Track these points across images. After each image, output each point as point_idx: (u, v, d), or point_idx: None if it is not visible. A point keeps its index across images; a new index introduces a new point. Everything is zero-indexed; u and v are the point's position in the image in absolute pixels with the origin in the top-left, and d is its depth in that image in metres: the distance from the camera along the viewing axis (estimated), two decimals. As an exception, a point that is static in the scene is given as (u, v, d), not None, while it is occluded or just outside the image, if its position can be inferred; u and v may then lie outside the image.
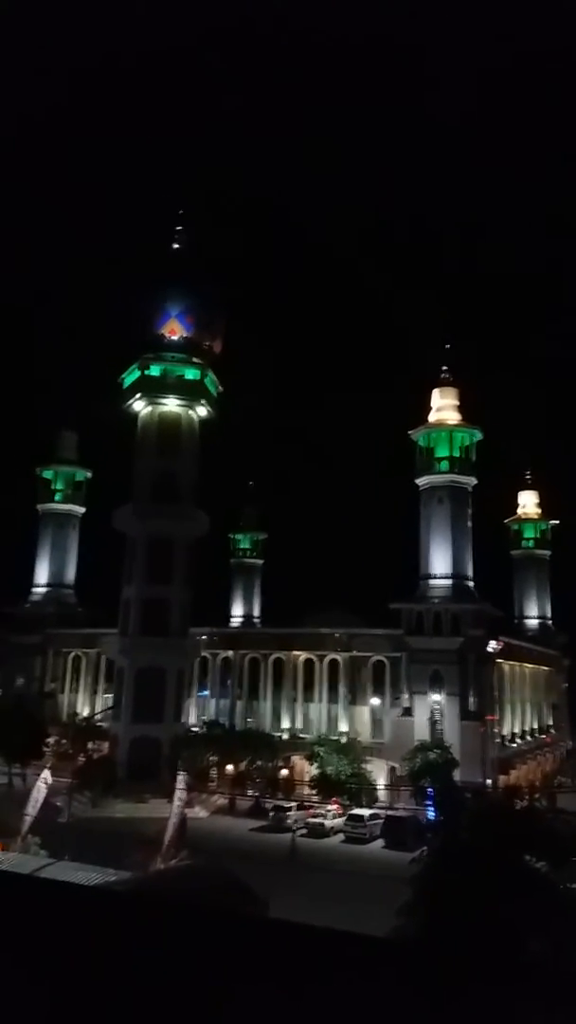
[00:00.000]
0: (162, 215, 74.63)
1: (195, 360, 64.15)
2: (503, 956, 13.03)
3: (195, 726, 64.42)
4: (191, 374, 64.19)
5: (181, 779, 36.81)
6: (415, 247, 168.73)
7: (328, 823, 47.03)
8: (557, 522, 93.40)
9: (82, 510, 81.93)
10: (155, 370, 63.69)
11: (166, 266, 66.53)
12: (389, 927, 14.82)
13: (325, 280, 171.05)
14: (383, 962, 7.34)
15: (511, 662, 65.94)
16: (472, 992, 5.98)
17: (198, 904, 13.91)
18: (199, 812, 49.72)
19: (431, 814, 45.89)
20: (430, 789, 47.72)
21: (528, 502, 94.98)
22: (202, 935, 8.05)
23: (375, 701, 60.34)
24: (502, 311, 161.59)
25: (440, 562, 61.65)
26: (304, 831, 46.68)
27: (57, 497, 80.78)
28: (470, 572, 62.45)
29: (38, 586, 79.39)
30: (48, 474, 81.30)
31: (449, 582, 60.76)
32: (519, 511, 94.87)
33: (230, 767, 57.25)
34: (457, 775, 49.31)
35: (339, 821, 47.39)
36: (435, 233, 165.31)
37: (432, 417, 66.18)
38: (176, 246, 68.04)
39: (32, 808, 34.33)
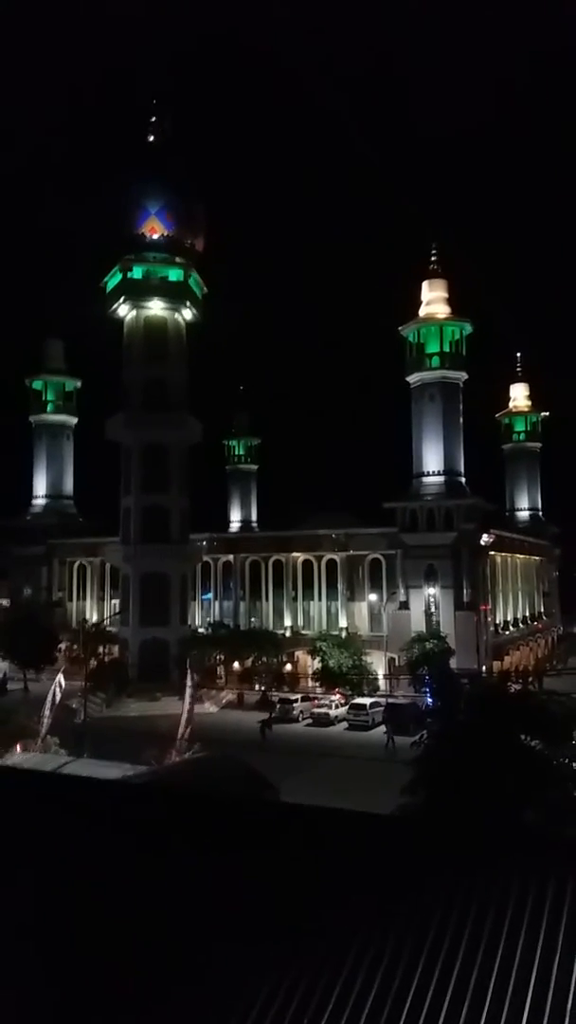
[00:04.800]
0: (140, 105, 70.50)
1: (178, 260, 62.26)
2: (501, 826, 14.12)
3: (201, 628, 66.36)
4: (174, 275, 62.41)
5: (190, 677, 38.41)
6: (401, 134, 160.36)
7: (332, 712, 49.37)
8: (548, 414, 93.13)
9: (75, 420, 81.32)
10: (137, 272, 61.88)
11: (142, 161, 63.57)
12: (394, 806, 15.92)
13: (312, 174, 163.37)
14: (390, 837, 8.09)
15: (503, 553, 67.40)
16: (473, 860, 6.68)
17: (213, 792, 14.92)
18: (209, 707, 52.02)
19: (429, 700, 47.94)
20: (427, 677, 49.64)
21: (519, 395, 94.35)
22: (218, 820, 8.81)
23: (372, 597, 62.02)
24: (491, 197, 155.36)
25: (432, 459, 61.95)
26: (310, 720, 49.06)
27: (49, 408, 79.92)
28: (462, 468, 62.88)
29: (37, 498, 79.74)
30: (38, 385, 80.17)
31: (442, 479, 61.28)
32: (510, 404, 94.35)
33: (236, 664, 59.48)
34: (453, 663, 51.25)
35: (342, 710, 49.73)
36: (423, 121, 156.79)
37: (422, 311, 64.85)
38: (151, 138, 64.68)
39: (49, 710, 35.92)
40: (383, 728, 44.69)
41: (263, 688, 56.05)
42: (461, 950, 5.52)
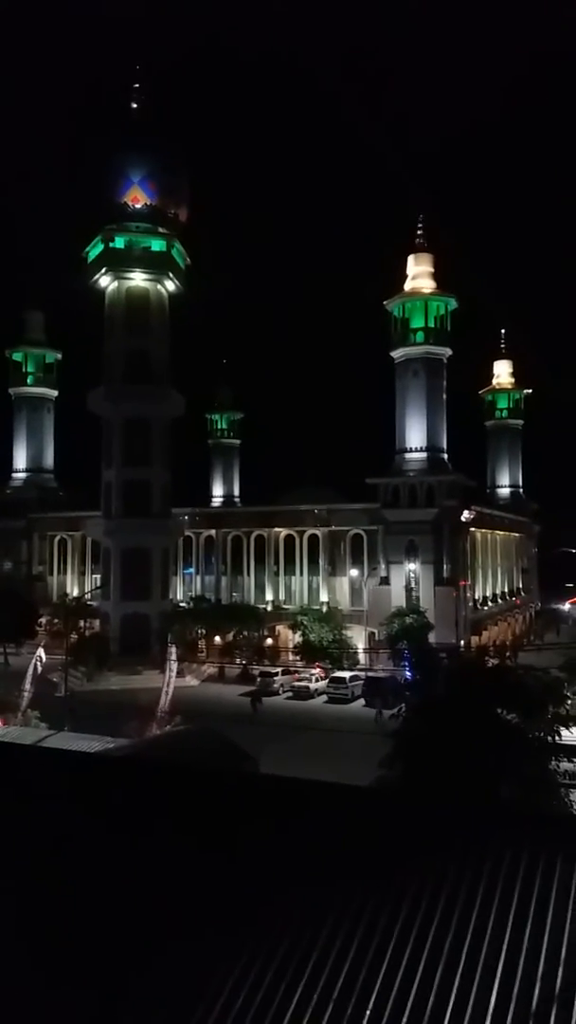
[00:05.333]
0: (121, 71, 68.86)
1: (161, 230, 61.33)
2: (478, 799, 14.34)
3: (182, 602, 66.43)
4: (157, 245, 61.50)
5: (172, 651, 38.52)
6: (387, 106, 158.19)
7: (312, 686, 49.79)
8: (530, 391, 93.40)
9: (55, 393, 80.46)
10: (119, 242, 60.91)
11: (124, 128, 62.29)
12: (372, 778, 16.12)
13: (298, 146, 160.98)
14: (367, 809, 8.17)
15: (484, 530, 67.88)
16: (451, 833, 6.77)
17: (193, 765, 15.02)
18: (190, 681, 52.25)
19: (408, 674, 48.54)
20: (407, 651, 50.21)
21: (502, 372, 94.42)
22: (198, 793, 8.85)
23: (354, 572, 62.34)
24: (478, 173, 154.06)
25: (415, 435, 62.03)
26: (290, 694, 49.45)
27: (29, 380, 79.00)
28: (444, 444, 63.04)
29: (17, 471, 79.06)
30: (18, 356, 79.12)
31: (424, 455, 61.42)
32: (493, 381, 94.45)
33: (218, 638, 59.71)
34: (432, 637, 51.82)
35: (322, 684, 50.16)
36: (408, 93, 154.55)
37: (407, 286, 64.52)
38: (134, 105, 63.30)
39: (29, 684, 35.93)
40: (366, 701, 45.22)
41: (244, 662, 56.36)
42: (453, 924, 5.60)
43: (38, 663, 37.14)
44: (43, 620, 63.98)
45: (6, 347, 78.87)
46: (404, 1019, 5.04)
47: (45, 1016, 5.86)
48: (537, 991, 4.98)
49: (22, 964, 6.39)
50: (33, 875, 7.55)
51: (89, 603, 63.44)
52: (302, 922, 5.95)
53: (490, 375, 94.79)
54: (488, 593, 69.62)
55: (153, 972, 5.89)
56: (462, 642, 55.16)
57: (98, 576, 65.63)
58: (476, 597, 64.84)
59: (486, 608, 67.47)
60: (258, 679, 51.42)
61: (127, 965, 6.09)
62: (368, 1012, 5.11)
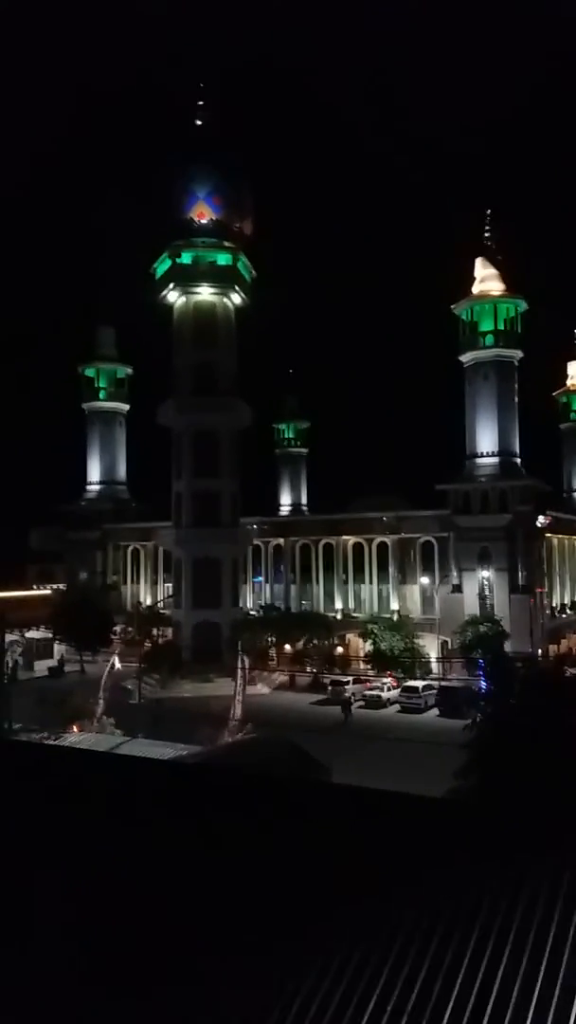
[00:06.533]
0: (186, 91, 70.38)
1: (226, 244, 62.22)
2: (553, 814, 13.89)
3: (252, 610, 66.84)
4: (223, 259, 62.42)
5: (242, 659, 38.78)
6: (450, 108, 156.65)
7: (384, 695, 49.29)
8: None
9: (127, 407, 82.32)
10: (186, 257, 62.06)
11: (189, 145, 63.54)
12: (445, 789, 15.82)
13: (357, 152, 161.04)
14: (441, 820, 8.02)
15: (560, 535, 66.02)
16: (525, 848, 6.58)
17: (265, 773, 15.06)
18: (261, 689, 52.48)
19: (483, 684, 47.54)
20: (481, 660, 49.19)
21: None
22: (270, 800, 8.85)
23: (424, 580, 61.50)
24: (545, 172, 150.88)
25: (486, 440, 60.88)
26: (362, 703, 49.08)
27: (101, 395, 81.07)
28: (517, 448, 61.63)
29: (91, 484, 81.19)
30: (90, 372, 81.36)
31: (496, 460, 60.19)
32: (568, 382, 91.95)
33: (288, 647, 59.77)
34: (507, 646, 50.56)
35: (394, 693, 49.60)
36: (472, 92, 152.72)
37: (475, 289, 63.54)
38: (199, 123, 64.56)
39: (104, 691, 36.73)
40: (440, 711, 44.61)
41: (315, 670, 56.24)
42: (530, 936, 5.45)
43: (113, 670, 37.93)
44: (117, 628, 65.47)
45: (79, 363, 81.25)
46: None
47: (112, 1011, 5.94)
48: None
49: (87, 969, 6.50)
50: (99, 878, 7.68)
51: (162, 611, 64.48)
52: (372, 933, 5.88)
53: (564, 376, 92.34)
54: (566, 600, 67.63)
55: (219, 973, 5.91)
56: (539, 651, 53.73)
57: (170, 585, 66.71)
58: (553, 605, 63.06)
59: (564, 616, 65.53)
60: (329, 688, 51.21)
61: (188, 967, 6.12)
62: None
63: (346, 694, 49.44)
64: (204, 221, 61.71)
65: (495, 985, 5.16)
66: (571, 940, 5.35)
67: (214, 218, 61.73)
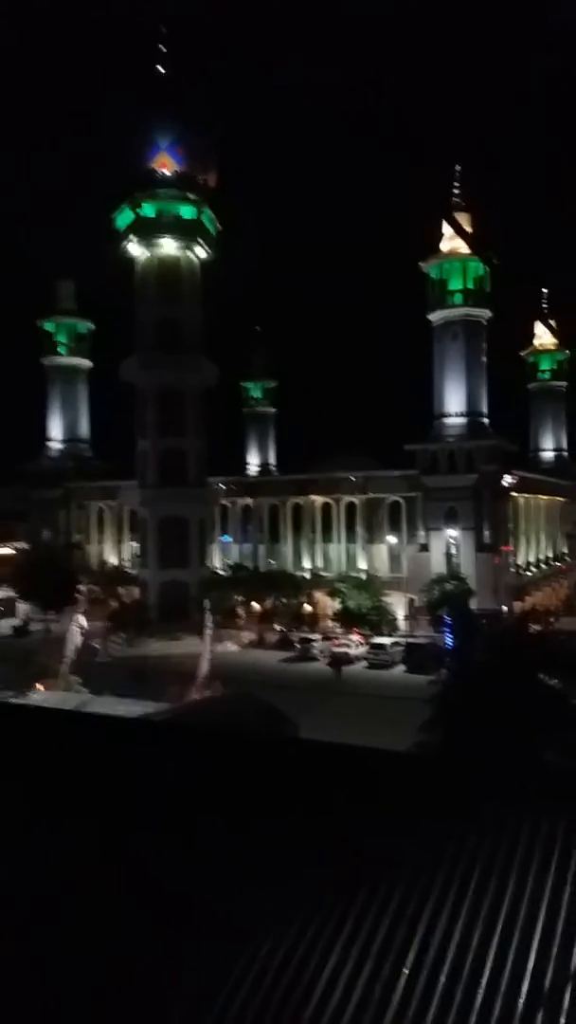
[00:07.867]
0: (147, 35, 67.42)
1: (190, 196, 60.54)
2: (518, 765, 14.08)
3: (220, 570, 66.79)
4: (187, 212, 60.79)
5: (209, 617, 38.76)
6: (420, 63, 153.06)
7: (352, 652, 49.82)
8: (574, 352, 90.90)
9: (88, 363, 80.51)
10: (148, 209, 60.28)
11: (151, 93, 61.23)
12: (411, 742, 15.95)
13: (325, 102, 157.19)
14: (406, 773, 7.98)
15: (526, 495, 66.68)
16: (490, 800, 6.54)
17: (234, 729, 15.03)
18: (230, 647, 52.68)
19: (449, 640, 48.28)
20: (447, 617, 49.88)
21: (544, 333, 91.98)
22: (237, 756, 8.74)
23: (392, 539, 61.85)
24: (515, 128, 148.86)
25: (454, 400, 60.87)
26: (329, 660, 49.58)
27: (61, 350, 79.08)
28: (485, 408, 61.77)
29: (53, 441, 79.63)
30: (50, 326, 79.05)
31: (463, 420, 60.30)
32: (535, 342, 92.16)
33: (256, 605, 59.97)
34: (473, 603, 51.31)
35: (362, 650, 50.15)
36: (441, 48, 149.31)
37: (444, 246, 62.87)
38: (161, 69, 62.11)
39: (70, 650, 36.50)
40: (407, 667, 45.26)
41: (282, 628, 56.56)
42: (490, 889, 5.42)
43: (78, 629, 37.66)
44: (83, 588, 64.96)
45: (37, 317, 78.77)
46: (439, 986, 4.89)
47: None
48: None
49: (52, 941, 6.36)
50: (68, 840, 7.52)
51: (127, 571, 64.10)
52: (337, 889, 5.80)
53: (532, 336, 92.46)
54: (531, 559, 68.63)
55: (178, 942, 5.80)
56: (504, 608, 54.59)
57: (135, 544, 66.22)
58: (518, 563, 63.96)
59: (529, 574, 66.54)
60: (297, 645, 51.58)
61: (156, 935, 6.01)
62: (402, 977, 4.98)
63: (314, 651, 49.90)
64: (167, 172, 59.87)
65: (475, 935, 5.15)
66: (528, 893, 5.34)
67: (177, 169, 59.94)
